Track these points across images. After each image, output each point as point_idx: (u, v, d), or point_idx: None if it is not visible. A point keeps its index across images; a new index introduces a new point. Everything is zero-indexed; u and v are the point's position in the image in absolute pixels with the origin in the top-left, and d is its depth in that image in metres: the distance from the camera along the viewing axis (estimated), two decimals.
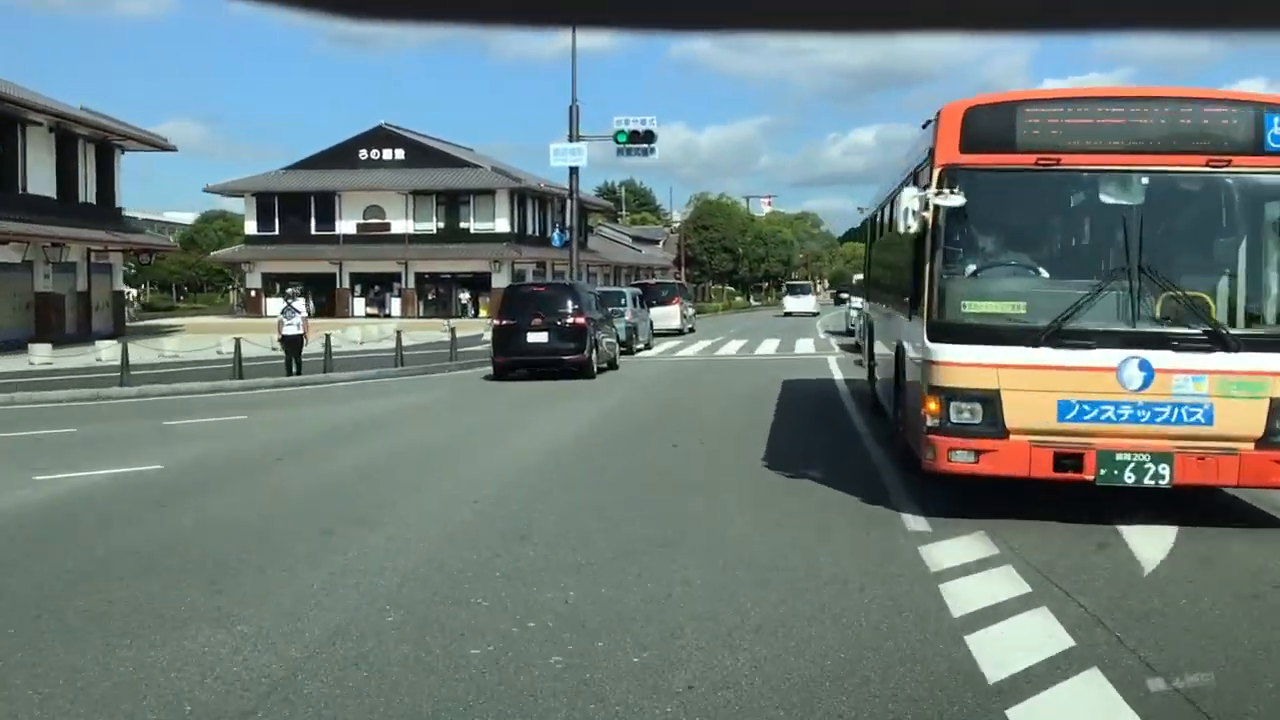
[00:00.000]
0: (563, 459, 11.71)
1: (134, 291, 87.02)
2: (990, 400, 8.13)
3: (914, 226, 8.53)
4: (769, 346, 33.37)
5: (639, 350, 31.80)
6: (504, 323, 23.58)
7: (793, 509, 8.87)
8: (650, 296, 37.25)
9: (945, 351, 8.28)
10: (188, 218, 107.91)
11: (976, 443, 8.17)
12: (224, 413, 16.75)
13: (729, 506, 9.02)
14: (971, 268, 8.50)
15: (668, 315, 39.52)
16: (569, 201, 36.63)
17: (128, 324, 47.23)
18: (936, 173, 8.34)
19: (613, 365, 25.74)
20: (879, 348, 13.80)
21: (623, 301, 31.30)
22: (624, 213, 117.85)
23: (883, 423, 13.86)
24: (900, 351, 10.39)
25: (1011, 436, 8.13)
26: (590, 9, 0.65)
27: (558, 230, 38.41)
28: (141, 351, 28.83)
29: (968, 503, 8.78)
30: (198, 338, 32.81)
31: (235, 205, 68.77)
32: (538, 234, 64.47)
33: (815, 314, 65.36)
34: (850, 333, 37.13)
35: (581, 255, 71.96)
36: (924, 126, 9.35)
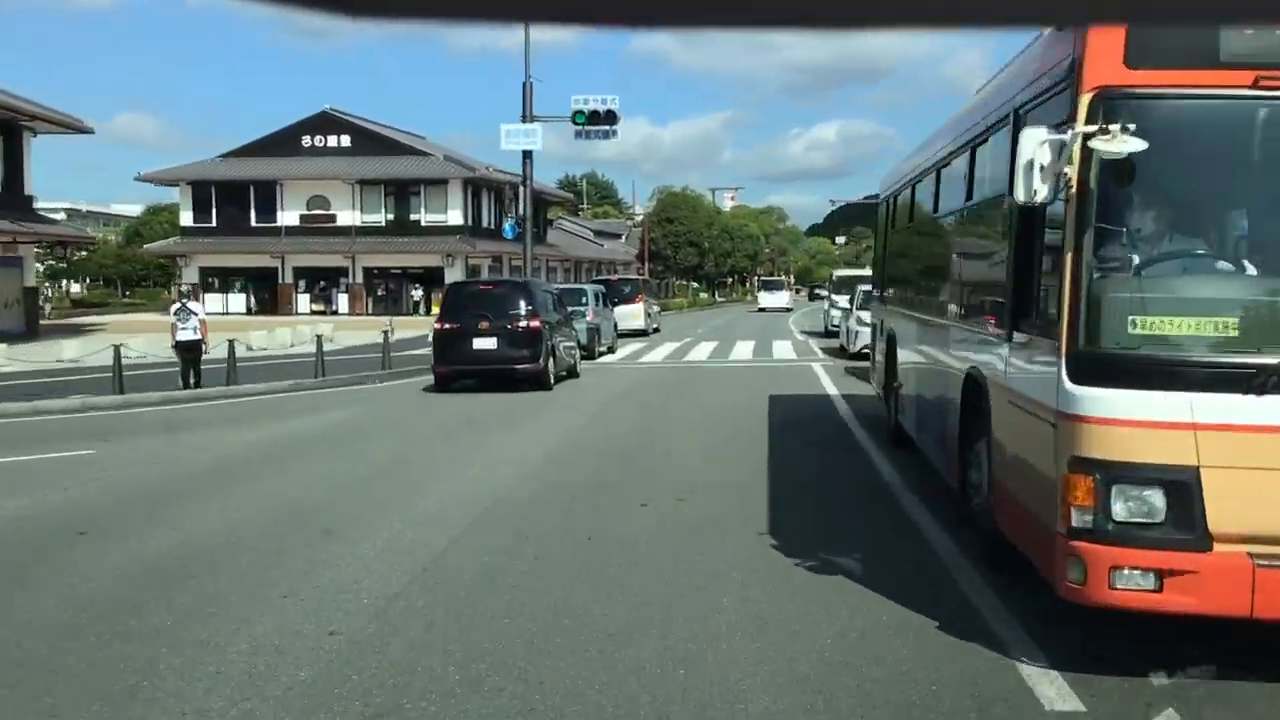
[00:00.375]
0: (482, 539, 8.21)
1: (71, 285, 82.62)
2: (1183, 485, 4.78)
3: (1039, 192, 5.10)
4: (744, 350, 29.99)
5: (602, 354, 28.42)
6: (446, 326, 20.15)
7: (837, 652, 5.47)
8: (612, 294, 33.81)
9: (1103, 401, 4.90)
10: (136, 209, 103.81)
11: (1160, 557, 4.81)
12: (73, 444, 13.15)
13: (734, 650, 5.53)
14: (1137, 259, 5.13)
15: (631, 314, 36.14)
16: (522, 189, 33.11)
17: (44, 322, 43.31)
18: (1085, 101, 4.93)
19: (572, 373, 22.38)
20: (909, 366, 10.46)
21: (584, 300, 27.89)
22: (585, 206, 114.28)
23: (911, 460, 10.55)
24: (976, 387, 7.02)
25: (1218, 546, 4.79)
26: (592, 6, 0.62)
27: (510, 221, 34.85)
28: (34, 356, 25.15)
29: (1102, 627, 5.47)
30: (115, 338, 29.08)
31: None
32: (493, 226, 60.80)
33: (789, 309, 67.56)
34: (831, 334, 33.90)
35: (539, 249, 68.28)
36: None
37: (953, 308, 8.14)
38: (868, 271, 46.84)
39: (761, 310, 67.42)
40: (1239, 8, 0.67)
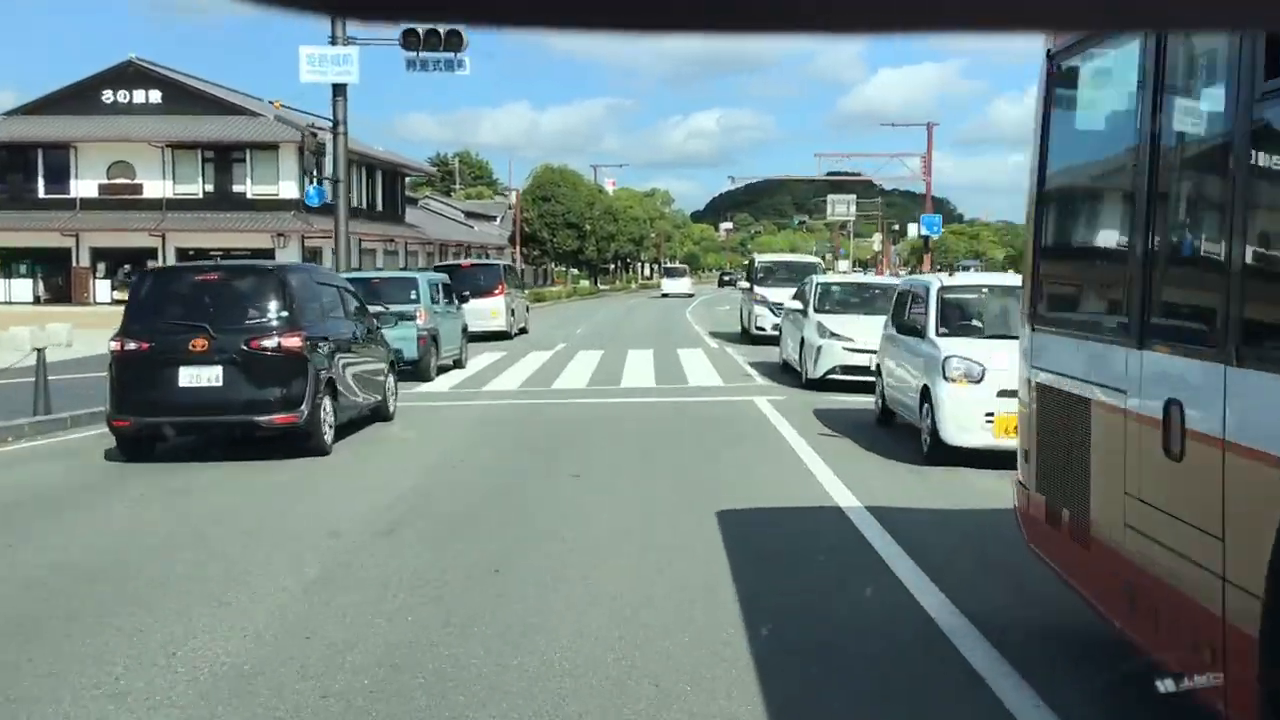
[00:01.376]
0: None
1: None
2: None
3: None
4: (641, 366, 20.94)
5: (446, 369, 19.47)
6: (131, 347, 11.01)
7: None
8: (462, 285, 24.60)
9: None
10: None
11: None
12: None
13: None
14: None
15: (488, 311, 26.86)
16: (332, 139, 23.75)
17: None
18: None
19: (380, 415, 13.54)
20: None
21: (414, 295, 18.72)
22: (459, 186, 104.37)
23: None
24: None
25: None
26: (604, 10, 0.61)
27: (314, 184, 25.36)
28: None
29: None
30: None
31: None
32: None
33: (690, 295, 67.95)
34: (756, 339, 25.32)
35: (395, 230, 58.45)
36: None
37: None
38: (802, 258, 36.42)
39: (665, 296, 67.43)
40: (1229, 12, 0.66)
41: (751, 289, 26.52)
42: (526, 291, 54.68)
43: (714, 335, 29.66)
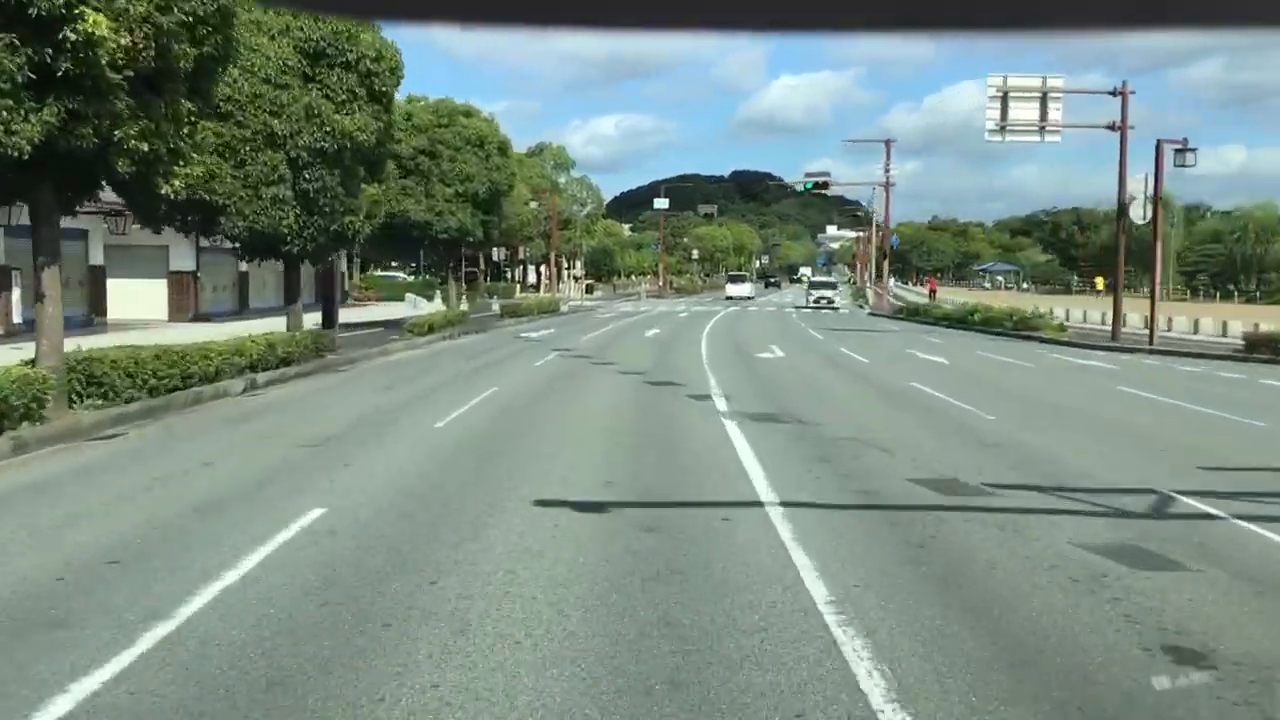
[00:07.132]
0: None
1: None
2: None
3: None
4: None
5: None
6: None
7: None
8: None
9: None
10: None
11: None
12: None
13: None
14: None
15: None
16: None
17: None
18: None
19: None
20: None
21: None
22: None
23: None
24: None
25: None
26: (598, 8, 0.60)
27: None
28: None
29: None
30: None
31: None
32: None
33: (750, 297, 75.55)
34: None
35: None
36: None
37: None
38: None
39: (729, 299, 71.61)
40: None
41: None
42: None
43: None
